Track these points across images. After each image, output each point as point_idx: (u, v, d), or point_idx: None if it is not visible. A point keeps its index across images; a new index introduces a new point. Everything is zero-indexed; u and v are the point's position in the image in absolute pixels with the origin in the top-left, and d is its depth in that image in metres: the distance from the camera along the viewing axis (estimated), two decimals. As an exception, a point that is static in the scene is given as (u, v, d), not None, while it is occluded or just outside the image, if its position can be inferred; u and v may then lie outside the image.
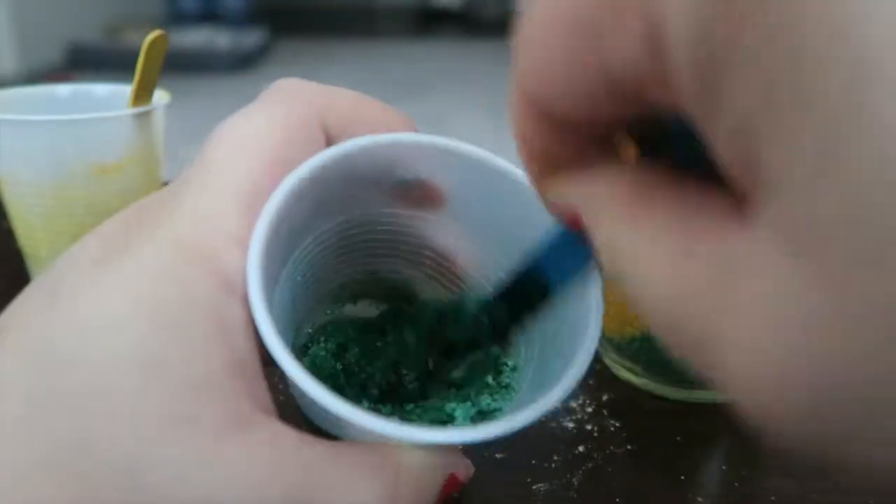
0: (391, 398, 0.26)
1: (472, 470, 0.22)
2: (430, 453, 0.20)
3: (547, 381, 0.22)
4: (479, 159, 0.23)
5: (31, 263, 0.40)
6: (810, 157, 0.09)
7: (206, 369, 0.17)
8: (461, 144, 0.23)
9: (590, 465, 0.29)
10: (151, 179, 0.41)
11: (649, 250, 0.13)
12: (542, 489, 0.28)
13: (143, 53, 0.36)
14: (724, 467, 0.30)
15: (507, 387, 0.26)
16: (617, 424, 0.32)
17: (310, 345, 0.27)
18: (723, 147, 0.11)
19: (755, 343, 0.10)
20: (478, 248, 0.26)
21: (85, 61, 2.83)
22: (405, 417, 0.25)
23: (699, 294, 0.11)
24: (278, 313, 0.21)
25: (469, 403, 0.25)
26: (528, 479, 0.28)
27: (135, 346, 0.17)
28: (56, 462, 0.16)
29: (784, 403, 0.10)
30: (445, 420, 0.24)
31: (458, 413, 0.24)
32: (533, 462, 0.29)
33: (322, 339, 0.27)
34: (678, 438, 0.31)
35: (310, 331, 0.28)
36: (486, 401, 0.25)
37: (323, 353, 0.26)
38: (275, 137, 0.21)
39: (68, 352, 0.17)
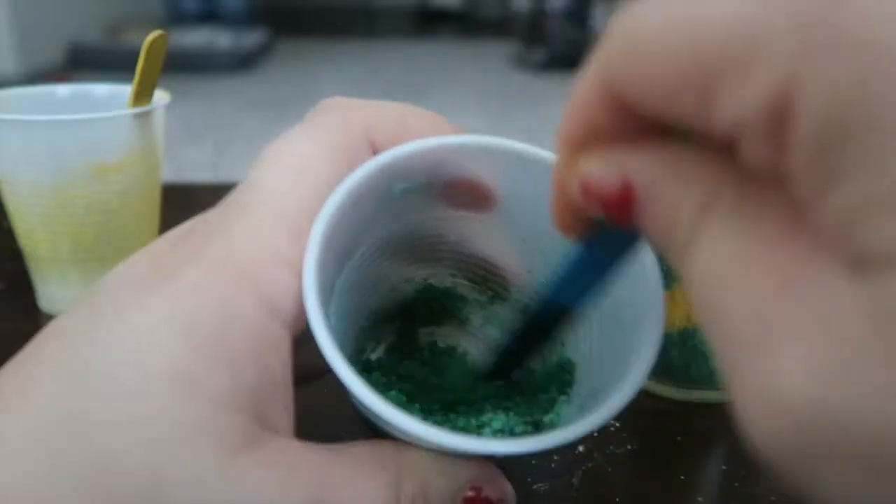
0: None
1: (507, 492, 0.21)
2: (439, 456, 0.20)
3: (598, 393, 0.21)
4: (528, 155, 0.22)
5: (31, 263, 0.40)
6: None
7: (233, 389, 0.17)
8: (508, 142, 0.22)
9: (590, 465, 0.29)
10: (151, 179, 0.41)
11: (742, 258, 0.12)
12: (542, 489, 0.28)
13: (143, 53, 0.36)
14: (724, 467, 0.30)
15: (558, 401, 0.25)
16: (617, 424, 0.32)
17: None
18: (829, 219, 0.11)
19: (808, 366, 0.11)
20: (527, 249, 0.25)
21: (85, 61, 2.83)
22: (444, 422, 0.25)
23: (770, 304, 0.11)
24: (334, 324, 0.22)
25: (506, 417, 0.24)
26: (529, 479, 0.28)
27: (168, 367, 0.17)
28: (82, 479, 0.16)
29: (798, 423, 0.11)
30: (476, 429, 0.24)
31: (494, 423, 0.24)
32: (533, 462, 0.29)
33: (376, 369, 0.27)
34: (678, 438, 0.31)
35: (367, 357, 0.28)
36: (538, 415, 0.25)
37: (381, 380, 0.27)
38: (321, 158, 0.21)
39: (103, 371, 0.17)
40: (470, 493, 0.20)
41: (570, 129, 0.15)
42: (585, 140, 0.15)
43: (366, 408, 0.19)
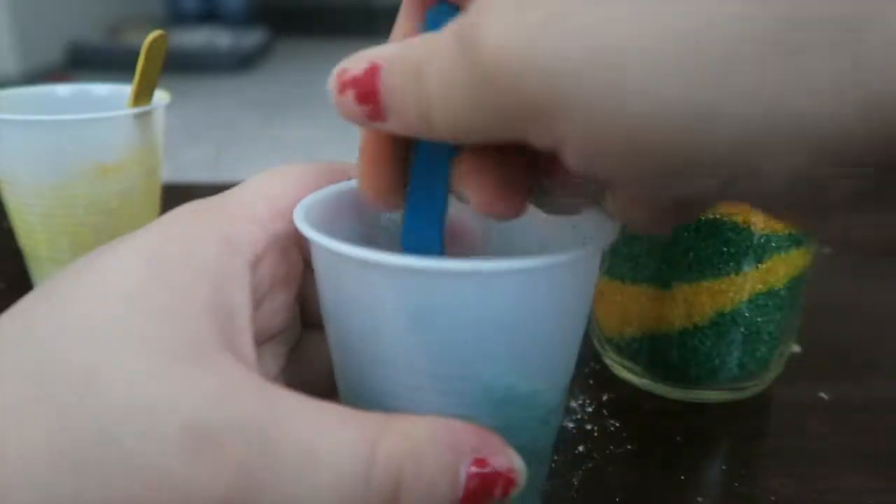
0: None
1: (516, 463, 0.18)
2: (438, 421, 0.17)
3: None
4: None
5: (31, 263, 0.40)
6: None
7: (184, 306, 0.18)
8: None
9: (590, 465, 0.29)
10: (151, 179, 0.41)
11: None
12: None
13: (143, 53, 0.36)
14: (724, 467, 0.30)
15: None
16: (617, 424, 0.32)
17: None
18: None
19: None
20: None
21: (85, 61, 2.83)
22: None
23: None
24: None
25: None
26: (528, 479, 0.28)
27: (124, 284, 0.18)
28: (23, 369, 0.17)
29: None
30: None
31: None
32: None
33: None
34: (678, 438, 0.31)
35: None
36: None
37: None
38: (309, 172, 0.22)
39: (63, 292, 0.18)
40: (474, 469, 0.17)
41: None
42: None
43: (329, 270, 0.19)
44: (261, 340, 0.21)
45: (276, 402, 0.17)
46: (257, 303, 0.21)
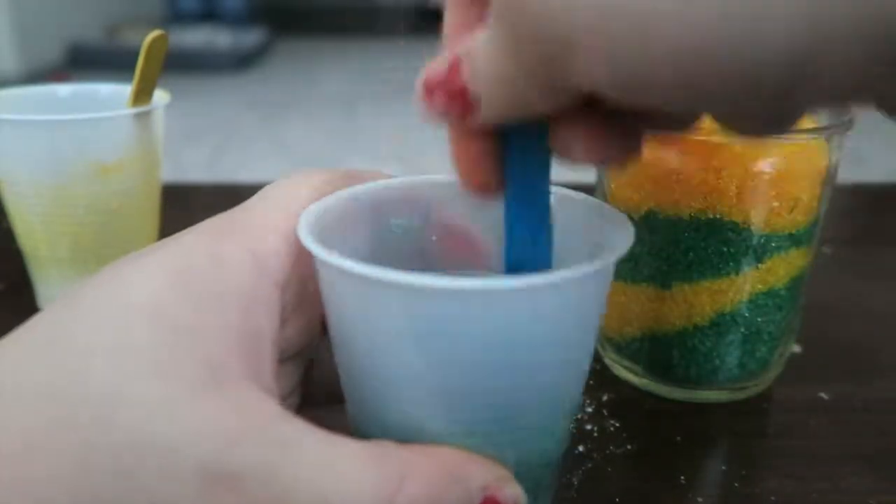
0: None
1: (520, 496, 0.19)
2: (450, 457, 0.18)
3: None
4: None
5: (31, 263, 0.40)
6: None
7: (208, 328, 0.18)
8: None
9: (590, 465, 0.29)
10: (151, 179, 0.41)
11: None
12: (542, 489, 0.28)
13: (143, 53, 0.36)
14: (724, 467, 0.30)
15: None
16: (617, 424, 0.32)
17: None
18: None
19: None
20: None
21: (85, 61, 2.83)
22: None
23: None
24: None
25: None
26: (528, 479, 0.28)
27: (146, 299, 0.18)
28: (46, 388, 0.16)
29: None
30: None
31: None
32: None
33: None
34: (678, 438, 0.31)
35: None
36: None
37: None
38: (328, 178, 0.22)
39: (86, 303, 0.18)
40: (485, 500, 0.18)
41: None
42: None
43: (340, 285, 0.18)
44: (283, 358, 0.21)
45: (294, 442, 0.17)
46: (282, 322, 0.20)
